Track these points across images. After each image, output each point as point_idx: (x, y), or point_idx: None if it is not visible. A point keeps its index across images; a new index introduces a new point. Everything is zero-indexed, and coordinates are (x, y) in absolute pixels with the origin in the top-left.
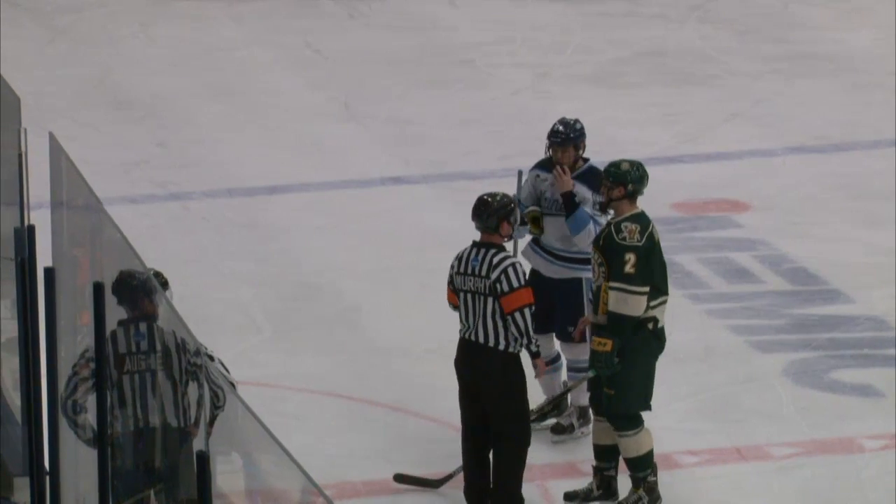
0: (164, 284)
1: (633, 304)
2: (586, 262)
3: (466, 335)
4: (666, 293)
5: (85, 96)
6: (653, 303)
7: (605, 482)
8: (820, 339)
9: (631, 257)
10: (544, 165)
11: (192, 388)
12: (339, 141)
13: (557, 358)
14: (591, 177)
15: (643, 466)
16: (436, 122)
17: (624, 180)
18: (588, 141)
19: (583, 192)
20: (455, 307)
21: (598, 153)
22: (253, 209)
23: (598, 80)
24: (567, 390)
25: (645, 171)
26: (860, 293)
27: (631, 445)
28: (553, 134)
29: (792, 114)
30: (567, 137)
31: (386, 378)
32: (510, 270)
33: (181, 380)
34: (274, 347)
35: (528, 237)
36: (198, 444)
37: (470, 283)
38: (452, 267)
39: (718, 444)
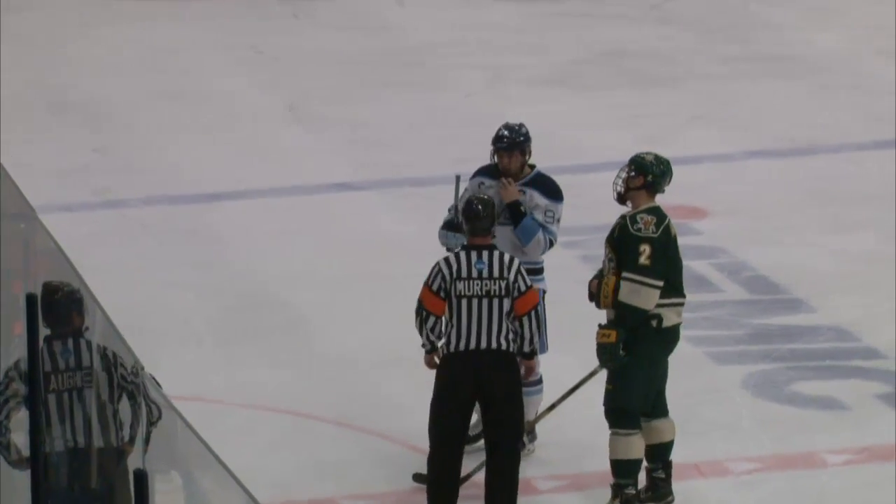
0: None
1: (645, 295)
2: (537, 272)
3: (468, 345)
4: (681, 294)
5: (22, 99)
6: (663, 301)
7: (653, 483)
8: (781, 349)
9: (646, 248)
10: (488, 172)
11: (125, 405)
12: (286, 145)
13: None
14: (541, 182)
15: (625, 474)
16: (387, 126)
17: (645, 171)
18: (546, 144)
19: (536, 197)
20: (438, 317)
21: (556, 157)
22: (195, 216)
23: (556, 82)
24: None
25: (669, 168)
26: (822, 302)
27: (620, 446)
28: (498, 139)
29: (756, 116)
30: (513, 142)
31: (333, 392)
32: (523, 270)
33: (112, 397)
34: (217, 360)
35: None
36: (135, 461)
37: (477, 287)
38: (444, 274)
39: (676, 459)
